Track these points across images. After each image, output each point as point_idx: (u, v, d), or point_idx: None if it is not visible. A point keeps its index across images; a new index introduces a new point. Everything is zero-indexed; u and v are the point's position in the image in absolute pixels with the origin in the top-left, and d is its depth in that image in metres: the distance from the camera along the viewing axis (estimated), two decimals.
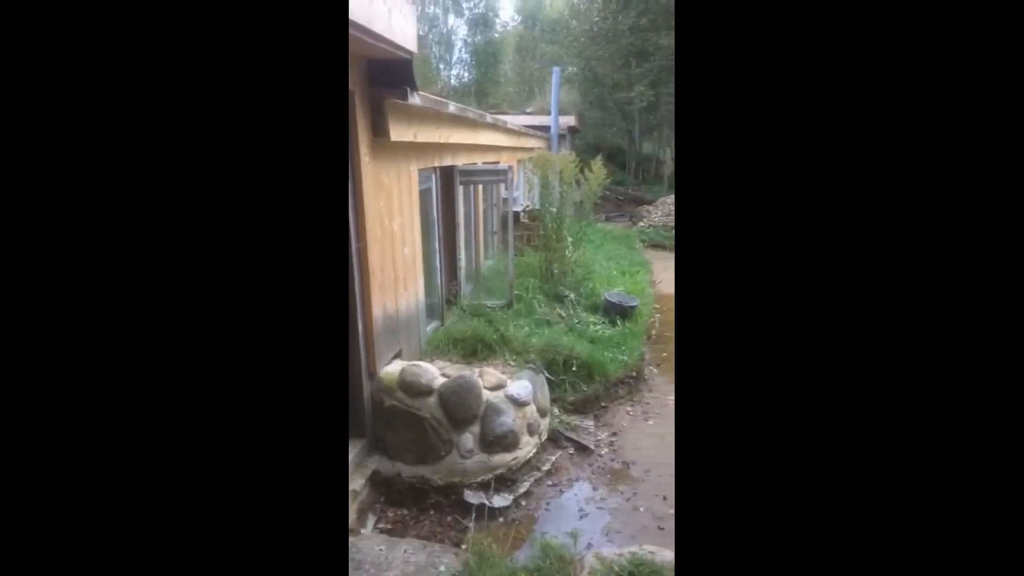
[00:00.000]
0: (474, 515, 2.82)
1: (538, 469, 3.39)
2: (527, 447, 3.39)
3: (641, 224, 11.31)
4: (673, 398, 4.44)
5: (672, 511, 3.03)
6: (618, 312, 5.46)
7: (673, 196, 12.18)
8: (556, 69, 11.34)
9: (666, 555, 2.20)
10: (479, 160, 6.10)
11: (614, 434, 3.89)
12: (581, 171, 6.18)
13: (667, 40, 14.10)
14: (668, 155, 18.05)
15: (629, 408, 4.28)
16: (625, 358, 4.65)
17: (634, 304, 5.62)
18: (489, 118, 6.07)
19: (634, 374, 4.65)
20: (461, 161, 5.32)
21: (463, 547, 2.63)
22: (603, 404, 4.25)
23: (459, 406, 3.17)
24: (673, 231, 10.69)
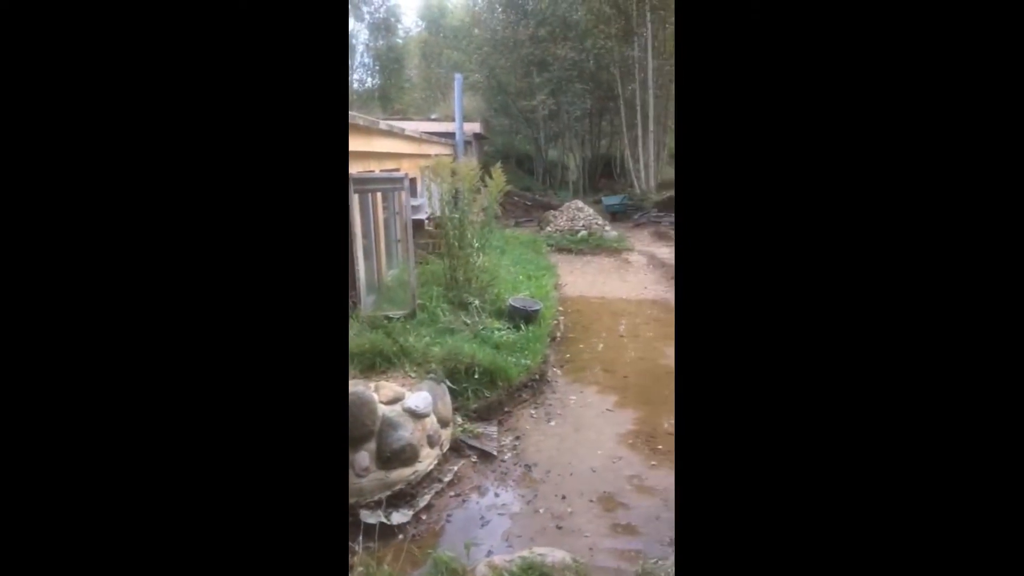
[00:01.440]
0: (362, 536, 2.72)
1: (439, 481, 3.34)
2: (427, 460, 3.34)
3: (548, 229, 11.59)
4: (574, 398, 4.57)
5: (570, 509, 3.11)
6: (522, 317, 5.54)
7: (577, 201, 12.60)
8: (458, 76, 11.36)
9: (556, 555, 2.24)
10: (377, 168, 5.96)
11: (517, 438, 3.93)
12: (482, 178, 6.22)
13: (564, 51, 14.61)
14: (573, 162, 18.68)
15: (532, 411, 4.35)
16: (528, 362, 4.72)
17: (537, 308, 5.72)
18: (383, 125, 5.95)
19: (537, 377, 4.74)
20: (356, 169, 5.16)
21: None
22: (507, 409, 4.29)
23: (352, 424, 3.06)
24: (577, 235, 11.05)
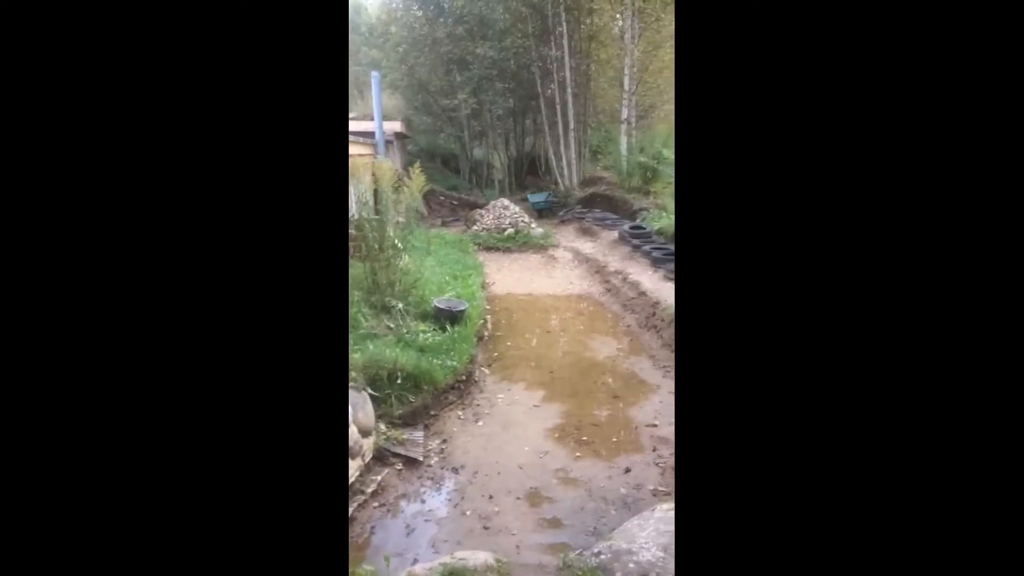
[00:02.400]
0: None
1: (362, 492, 3.23)
2: (349, 472, 3.21)
3: (475, 228, 11.55)
4: (502, 396, 4.57)
5: (497, 509, 3.09)
6: (447, 318, 5.47)
7: (503, 199, 12.65)
8: (375, 74, 11.07)
9: (479, 557, 2.22)
10: None
11: (444, 441, 3.87)
12: (402, 178, 6.09)
13: (483, 49, 14.61)
14: (498, 160, 18.73)
15: (460, 412, 4.31)
16: (454, 363, 4.66)
17: (463, 308, 5.68)
18: None
19: (464, 378, 4.69)
20: None
21: None
22: (433, 413, 4.22)
23: None
24: (504, 233, 11.09)
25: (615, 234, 9.86)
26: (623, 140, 13.58)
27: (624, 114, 13.68)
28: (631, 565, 2.09)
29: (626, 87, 13.48)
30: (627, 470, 3.46)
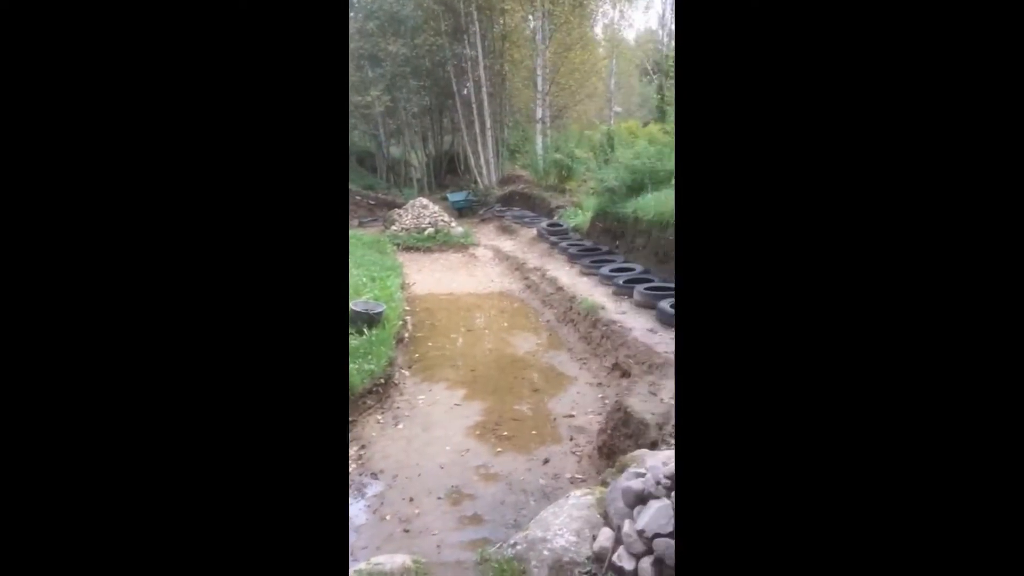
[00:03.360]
0: None
1: None
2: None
3: (394, 228, 11.33)
4: (423, 397, 4.53)
5: (418, 511, 3.08)
6: (365, 320, 5.34)
7: (422, 199, 12.50)
8: None
9: (396, 560, 2.20)
10: None
11: (362, 447, 3.79)
12: None
13: (395, 46, 14.34)
14: (416, 159, 18.47)
15: (379, 417, 4.23)
16: (372, 367, 4.56)
17: (380, 310, 5.57)
18: None
19: (383, 381, 4.61)
20: None
21: None
22: (351, 419, 4.11)
23: None
24: (424, 233, 10.97)
25: (534, 232, 10.04)
26: (538, 139, 13.85)
27: (539, 114, 13.96)
28: (545, 552, 2.16)
29: (539, 87, 13.75)
30: (546, 461, 3.55)
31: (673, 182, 7.31)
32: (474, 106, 14.44)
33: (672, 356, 4.23)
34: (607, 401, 4.21)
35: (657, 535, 2.00)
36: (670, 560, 1.93)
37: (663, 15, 18.13)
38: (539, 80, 13.65)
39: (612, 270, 6.66)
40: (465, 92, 14.68)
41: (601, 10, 16.53)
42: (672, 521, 2.02)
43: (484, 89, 14.12)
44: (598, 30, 17.37)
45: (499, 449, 3.71)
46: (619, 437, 3.37)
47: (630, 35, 23.53)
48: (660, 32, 19.38)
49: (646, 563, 1.98)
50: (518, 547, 2.21)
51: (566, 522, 2.31)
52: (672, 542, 1.95)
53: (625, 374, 4.49)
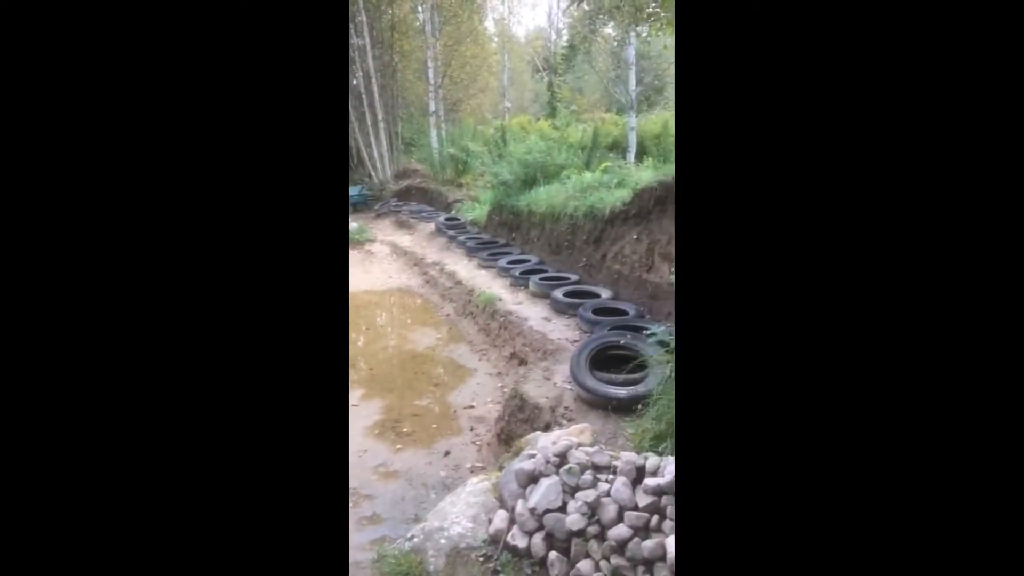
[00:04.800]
0: None
1: None
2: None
3: None
4: None
5: None
6: None
7: None
8: None
9: None
10: None
11: None
12: None
13: None
14: None
15: None
16: None
17: None
18: None
19: None
20: None
21: None
22: None
23: None
24: None
25: (431, 226, 9.96)
26: (432, 133, 13.72)
27: (432, 107, 13.82)
28: (442, 541, 2.19)
29: (431, 80, 13.61)
30: (446, 453, 3.58)
31: (562, 176, 7.61)
32: (364, 98, 13.96)
33: (564, 342, 4.44)
34: (506, 390, 4.31)
35: (548, 510, 2.11)
36: (559, 534, 2.05)
37: (551, 13, 18.65)
38: (431, 73, 13.51)
39: (509, 262, 6.79)
40: (355, 83, 14.14)
41: (490, 4, 16.67)
42: (561, 496, 2.14)
43: (375, 80, 13.70)
44: (489, 25, 17.52)
45: (399, 446, 3.68)
46: (516, 423, 3.48)
47: (521, 32, 23.98)
48: (549, 30, 19.94)
49: (538, 539, 2.08)
50: (415, 539, 2.22)
51: (463, 509, 2.36)
52: (560, 516, 2.07)
53: (522, 362, 4.62)
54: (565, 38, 12.92)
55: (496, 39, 17.47)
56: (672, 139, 9.87)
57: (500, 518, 2.23)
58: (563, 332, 4.67)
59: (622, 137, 10.55)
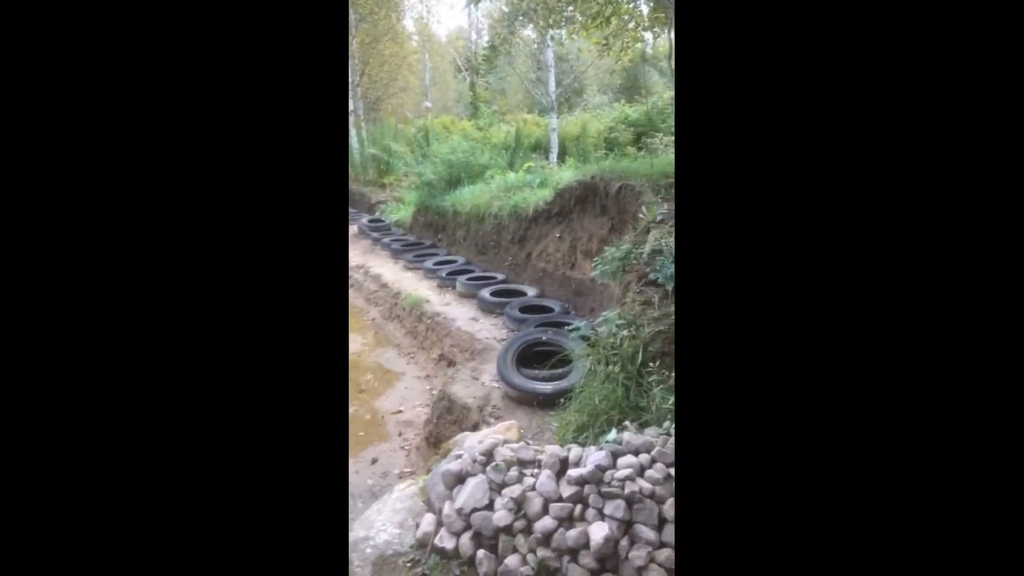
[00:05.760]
0: None
1: None
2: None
3: None
4: None
5: None
6: None
7: None
8: None
9: None
10: None
11: None
12: None
13: None
14: None
15: None
16: None
17: None
18: None
19: None
20: None
21: None
22: None
23: None
24: None
25: (355, 228, 9.68)
26: (353, 133, 13.33)
27: (351, 106, 13.41)
28: (368, 550, 2.14)
29: (349, 78, 13.20)
30: (374, 461, 3.50)
31: (486, 176, 7.64)
32: None
33: (492, 341, 4.46)
34: (434, 392, 4.27)
35: (475, 509, 2.11)
36: (487, 531, 2.06)
37: (470, 13, 18.67)
38: (348, 71, 13.10)
39: (435, 263, 6.74)
40: None
41: (408, 3, 16.42)
42: (488, 494, 2.15)
43: None
44: (408, 24, 17.25)
45: None
46: (444, 425, 3.47)
47: (442, 31, 23.81)
48: (470, 30, 19.94)
49: (466, 538, 2.08)
50: None
51: (389, 516, 2.31)
52: (487, 514, 2.08)
53: (451, 363, 4.60)
54: (486, 38, 12.97)
55: (416, 38, 17.23)
56: (590, 140, 10.19)
57: (427, 521, 2.21)
58: (491, 331, 4.70)
59: (544, 138, 10.75)
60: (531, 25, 9.70)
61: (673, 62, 4.96)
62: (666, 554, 1.89)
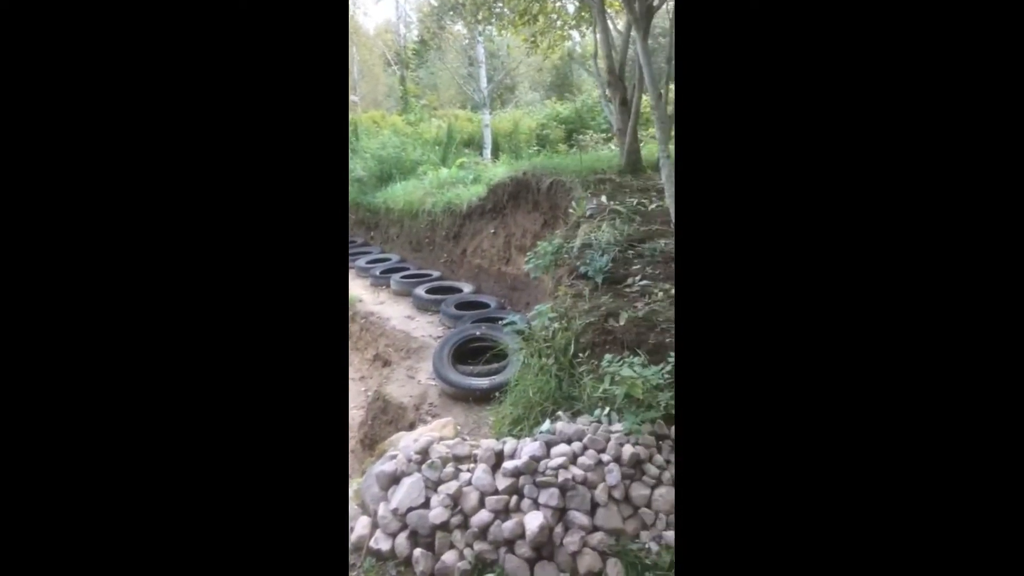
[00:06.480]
0: None
1: None
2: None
3: None
4: None
5: None
6: None
7: None
8: None
9: None
10: None
11: None
12: None
13: None
14: None
15: None
16: None
17: None
18: None
19: None
20: None
21: None
22: None
23: None
24: None
25: None
26: None
27: None
28: None
29: None
30: None
31: (418, 172, 7.54)
32: None
33: (428, 338, 4.42)
34: (369, 393, 4.19)
35: (410, 509, 2.09)
36: (423, 530, 2.04)
37: (398, 6, 18.30)
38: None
39: (369, 262, 6.58)
40: None
41: None
42: (423, 492, 2.13)
43: None
44: None
45: None
46: (380, 425, 3.41)
47: (369, 24, 23.19)
48: (398, 23, 19.55)
49: (402, 538, 2.06)
50: None
51: None
52: (423, 512, 2.07)
53: (386, 363, 4.52)
54: (416, 32, 12.76)
55: None
56: (523, 136, 10.29)
57: (362, 524, 2.17)
58: (426, 329, 4.66)
59: (477, 134, 10.73)
60: (460, 20, 9.65)
61: (598, 61, 5.09)
62: (599, 537, 1.95)
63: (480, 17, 7.27)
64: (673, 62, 5.37)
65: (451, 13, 9.32)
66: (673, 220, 3.23)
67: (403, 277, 5.76)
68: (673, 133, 4.13)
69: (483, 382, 3.29)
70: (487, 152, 9.94)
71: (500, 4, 7.04)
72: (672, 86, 5.29)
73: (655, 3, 4.31)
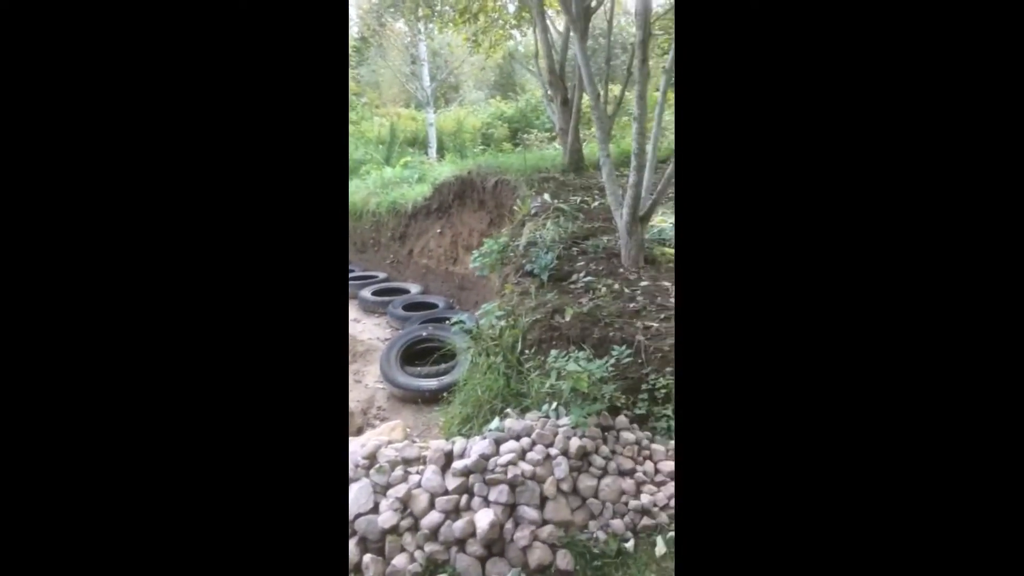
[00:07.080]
0: None
1: None
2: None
3: None
4: None
5: None
6: None
7: None
8: None
9: None
10: None
11: None
12: None
13: None
14: None
15: None
16: None
17: None
18: None
19: None
20: None
21: None
22: None
23: None
24: None
25: None
26: None
27: None
28: None
29: None
30: None
31: (361, 172, 7.39)
32: None
33: (375, 341, 4.35)
34: None
35: (359, 515, 2.06)
36: (372, 535, 2.01)
37: None
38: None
39: None
40: None
41: None
42: (372, 497, 2.10)
43: None
44: None
45: None
46: None
47: None
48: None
49: (351, 545, 2.02)
50: None
51: None
52: (372, 517, 2.04)
53: None
54: (356, 30, 12.47)
55: None
56: (467, 135, 10.26)
57: None
58: (373, 331, 4.58)
59: (421, 132, 10.61)
60: (401, 18, 9.51)
61: (539, 61, 5.15)
62: (548, 530, 1.99)
63: (421, 15, 7.20)
64: (610, 63, 5.50)
65: (391, 10, 9.17)
66: (621, 220, 3.31)
67: (349, 279, 5.63)
68: (611, 132, 4.23)
69: (432, 383, 3.26)
70: (432, 151, 9.85)
71: (439, 1, 7.00)
72: (612, 86, 5.42)
73: (592, 4, 4.40)
